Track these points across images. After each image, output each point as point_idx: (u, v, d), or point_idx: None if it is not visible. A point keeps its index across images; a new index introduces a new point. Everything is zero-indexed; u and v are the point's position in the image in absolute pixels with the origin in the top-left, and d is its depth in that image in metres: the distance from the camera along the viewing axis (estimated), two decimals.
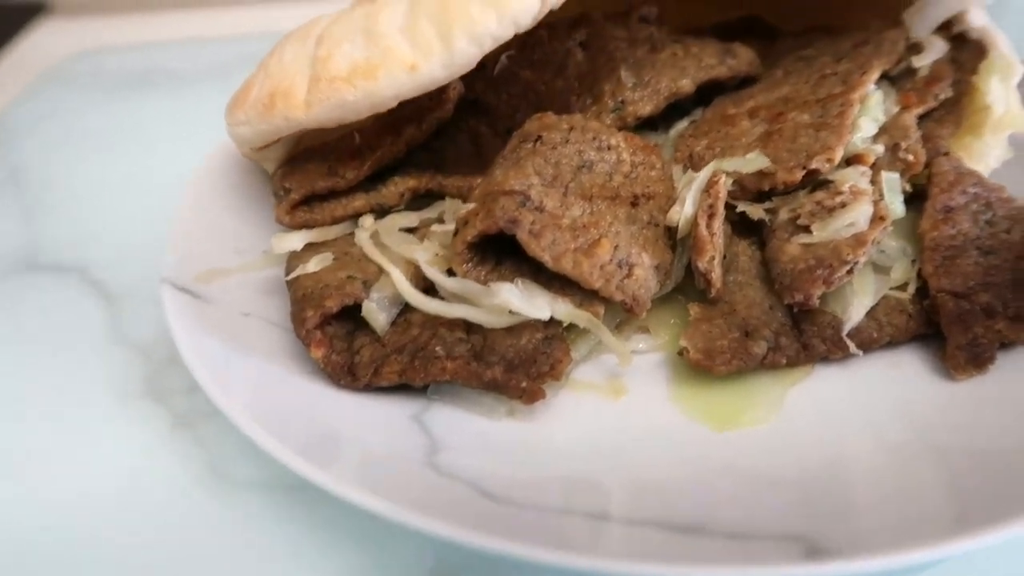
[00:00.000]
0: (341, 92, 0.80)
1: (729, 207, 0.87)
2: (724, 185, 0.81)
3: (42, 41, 1.98)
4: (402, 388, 0.79)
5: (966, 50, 0.94)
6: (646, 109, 0.96)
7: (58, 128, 1.53)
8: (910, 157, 0.84)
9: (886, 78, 0.93)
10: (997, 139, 0.90)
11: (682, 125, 1.01)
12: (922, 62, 0.91)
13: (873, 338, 0.79)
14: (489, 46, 0.77)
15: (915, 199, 0.87)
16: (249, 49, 1.72)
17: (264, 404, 0.73)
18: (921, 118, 0.90)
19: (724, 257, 0.85)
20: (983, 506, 0.63)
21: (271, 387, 0.77)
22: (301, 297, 0.80)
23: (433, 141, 1.00)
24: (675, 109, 1.01)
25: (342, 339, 0.81)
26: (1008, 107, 0.89)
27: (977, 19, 0.93)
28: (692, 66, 0.98)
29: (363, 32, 0.81)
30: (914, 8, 0.95)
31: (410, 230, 0.91)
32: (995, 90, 0.89)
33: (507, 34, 0.77)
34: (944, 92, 0.89)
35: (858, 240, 0.78)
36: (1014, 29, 1.34)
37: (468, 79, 1.02)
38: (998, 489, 0.66)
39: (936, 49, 0.92)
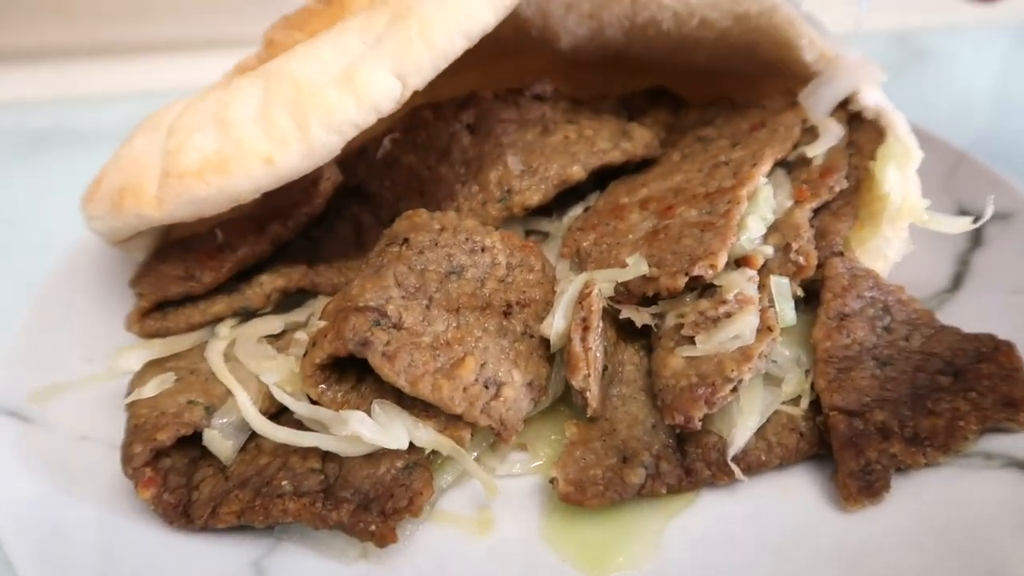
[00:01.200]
0: (193, 188, 0.73)
1: (615, 309, 0.81)
2: (598, 297, 0.75)
3: None
4: (247, 525, 0.71)
5: (863, 132, 0.89)
6: (534, 199, 0.90)
7: None
8: (801, 260, 0.79)
9: (782, 165, 0.88)
10: (896, 231, 0.84)
11: (576, 211, 0.95)
12: (816, 151, 0.86)
13: (761, 461, 0.73)
14: (351, 134, 0.72)
15: (811, 298, 0.81)
16: (153, 106, 1.64)
17: (77, 558, 0.66)
18: (817, 210, 0.84)
19: (606, 369, 0.78)
20: None
21: (92, 534, 0.69)
22: (133, 428, 0.72)
23: (312, 230, 0.94)
24: (572, 192, 0.95)
25: (181, 471, 0.73)
26: (906, 196, 0.83)
27: (870, 98, 0.88)
28: (584, 151, 0.92)
29: (215, 121, 0.75)
30: (808, 90, 0.90)
31: (276, 336, 0.84)
32: (892, 178, 0.84)
33: (368, 120, 0.72)
34: (839, 183, 0.84)
35: (744, 354, 0.72)
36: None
37: (349, 164, 0.96)
38: None
39: (831, 135, 0.87)
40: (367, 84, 0.71)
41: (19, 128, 1.64)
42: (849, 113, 0.90)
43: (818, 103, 0.89)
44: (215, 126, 0.75)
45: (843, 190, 0.85)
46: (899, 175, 0.85)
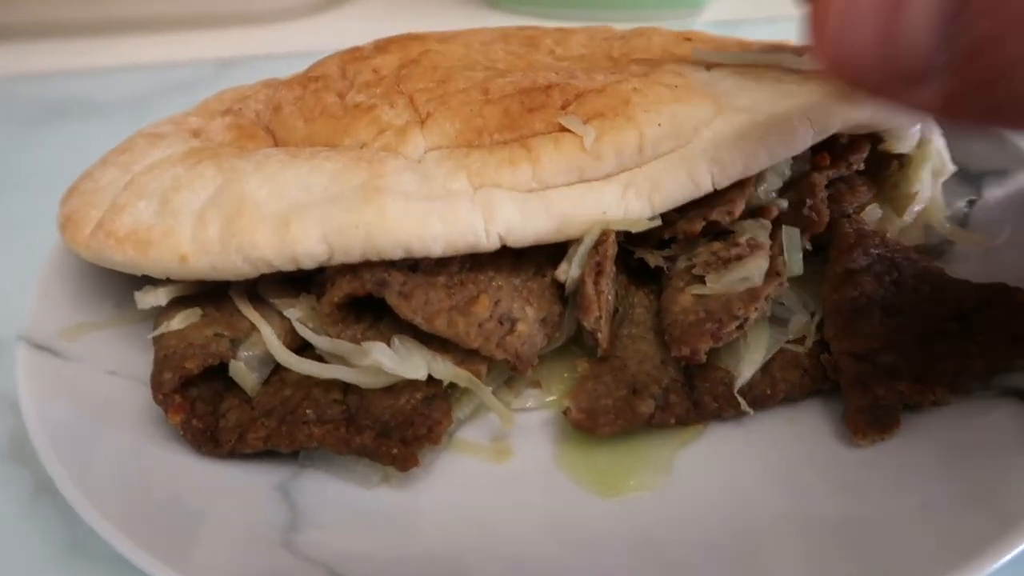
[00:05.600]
0: (112, 251, 0.78)
1: (628, 252, 0.83)
2: (613, 244, 0.77)
3: None
4: (272, 452, 0.74)
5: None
6: None
7: None
8: (813, 215, 0.82)
9: None
10: (914, 224, 0.90)
11: None
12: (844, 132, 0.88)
13: (767, 395, 0.76)
14: (264, 270, 0.75)
15: (820, 252, 0.84)
16: (165, 79, 1.68)
17: (111, 479, 0.69)
18: (833, 182, 0.87)
19: (617, 311, 0.81)
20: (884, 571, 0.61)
21: (124, 457, 0.72)
22: (162, 358, 0.75)
23: None
24: None
25: (208, 401, 0.76)
26: (932, 201, 0.90)
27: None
28: None
29: (162, 198, 0.79)
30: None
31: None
32: (925, 180, 0.88)
33: (285, 267, 0.74)
34: (858, 163, 0.86)
35: (751, 295, 0.75)
36: None
37: None
38: (898, 554, 0.63)
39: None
40: (295, 239, 0.72)
41: (35, 99, 1.66)
42: None
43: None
44: (160, 204, 0.79)
45: (860, 171, 0.88)
46: (931, 181, 0.89)
